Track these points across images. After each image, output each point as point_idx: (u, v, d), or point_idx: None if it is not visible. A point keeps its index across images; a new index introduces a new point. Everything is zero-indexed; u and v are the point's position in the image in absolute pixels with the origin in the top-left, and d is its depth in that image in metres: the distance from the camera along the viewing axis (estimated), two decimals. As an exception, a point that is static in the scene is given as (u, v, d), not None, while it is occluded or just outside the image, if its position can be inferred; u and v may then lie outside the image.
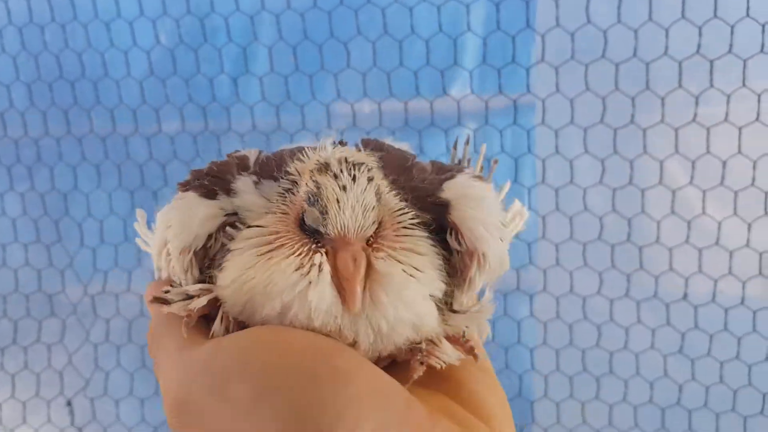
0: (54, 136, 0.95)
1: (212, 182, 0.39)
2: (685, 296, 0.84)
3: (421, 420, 0.31)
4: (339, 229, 0.33)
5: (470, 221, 0.36)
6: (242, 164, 0.40)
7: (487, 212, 0.37)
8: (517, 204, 0.45)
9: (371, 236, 0.34)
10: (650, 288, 0.86)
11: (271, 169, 0.39)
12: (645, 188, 0.84)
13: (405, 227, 0.36)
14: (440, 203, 0.37)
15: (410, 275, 0.34)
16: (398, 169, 0.39)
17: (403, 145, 0.47)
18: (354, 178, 0.34)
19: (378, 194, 0.34)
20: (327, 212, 0.33)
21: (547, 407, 0.91)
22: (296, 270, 0.34)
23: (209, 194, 0.38)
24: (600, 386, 0.89)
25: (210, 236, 0.38)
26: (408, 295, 0.34)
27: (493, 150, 0.88)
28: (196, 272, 0.38)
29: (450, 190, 0.38)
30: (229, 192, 0.38)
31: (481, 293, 0.39)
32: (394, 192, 0.37)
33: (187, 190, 0.39)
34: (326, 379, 0.31)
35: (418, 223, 0.36)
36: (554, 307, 0.89)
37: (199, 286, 0.37)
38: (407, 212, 0.36)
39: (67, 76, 0.93)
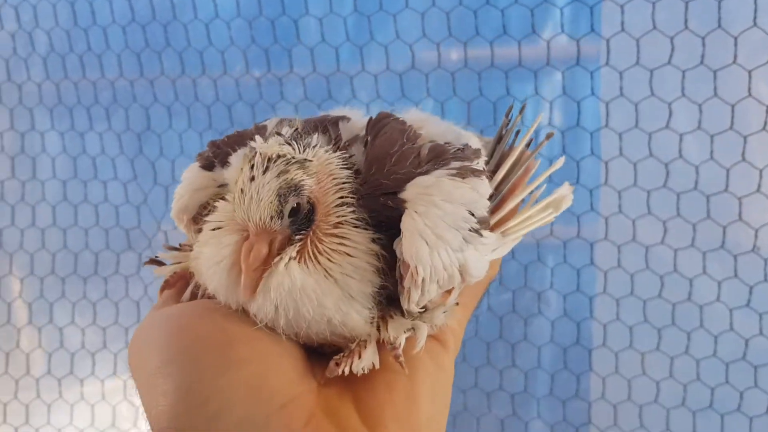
0: (128, 79, 1.04)
1: (214, 153, 0.42)
2: (754, 248, 0.83)
3: (290, 422, 0.33)
4: (242, 217, 0.36)
5: (409, 230, 0.36)
6: (259, 133, 0.41)
7: (435, 221, 0.36)
8: (561, 191, 0.46)
9: (289, 228, 0.36)
10: (717, 239, 0.85)
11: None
12: (714, 134, 0.82)
13: (339, 224, 0.37)
14: (393, 205, 0.37)
15: (319, 274, 0.36)
16: (376, 159, 0.38)
17: (438, 122, 0.48)
18: (265, 171, 0.35)
19: (289, 189, 0.35)
20: (234, 199, 0.36)
21: (605, 356, 0.93)
22: (221, 250, 0.38)
23: (207, 165, 0.42)
24: (661, 338, 0.90)
25: (205, 206, 0.42)
26: (305, 292, 0.35)
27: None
28: (192, 238, 0.43)
29: (410, 190, 0.37)
30: (225, 164, 0.41)
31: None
32: (341, 186, 0.37)
33: (197, 160, 0.43)
34: (207, 364, 0.34)
35: (362, 220, 0.37)
36: (615, 256, 0.90)
37: (177, 254, 0.43)
38: (345, 210, 0.37)
39: (139, 20, 1.01)
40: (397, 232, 0.37)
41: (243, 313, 0.37)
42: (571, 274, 0.93)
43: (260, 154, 0.36)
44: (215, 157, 0.42)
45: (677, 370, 0.90)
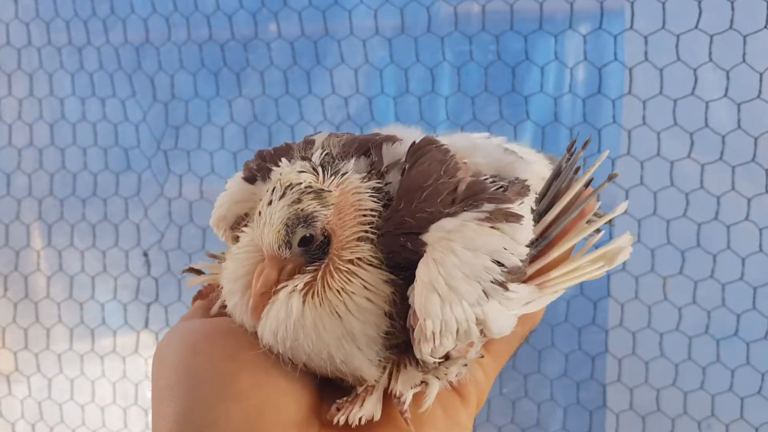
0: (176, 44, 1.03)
1: (258, 166, 0.42)
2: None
3: None
4: (255, 238, 0.36)
5: (421, 280, 0.34)
6: (306, 147, 0.41)
7: (451, 271, 0.34)
8: (618, 242, 0.41)
9: (302, 257, 0.36)
10: (742, 212, 0.86)
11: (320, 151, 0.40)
12: (741, 102, 0.82)
13: (353, 261, 0.36)
14: (412, 247, 0.35)
15: (324, 309, 0.35)
16: (406, 193, 0.36)
17: (490, 149, 0.44)
18: (282, 196, 0.35)
19: (298, 219, 0.35)
20: (254, 221, 0.37)
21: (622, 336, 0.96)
22: (240, 269, 0.38)
23: (250, 178, 0.42)
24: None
25: (244, 217, 0.42)
26: (303, 325, 0.35)
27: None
28: (229, 247, 0.42)
29: (432, 233, 0.35)
30: (266, 178, 0.40)
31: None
32: (362, 220, 0.36)
33: (243, 170, 0.43)
34: (207, 392, 0.34)
35: (378, 259, 0.36)
36: (636, 231, 0.91)
37: (211, 265, 0.43)
38: (362, 246, 0.36)
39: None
40: (414, 276, 0.35)
41: (255, 337, 0.37)
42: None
43: (279, 180, 0.36)
44: (258, 171, 0.42)
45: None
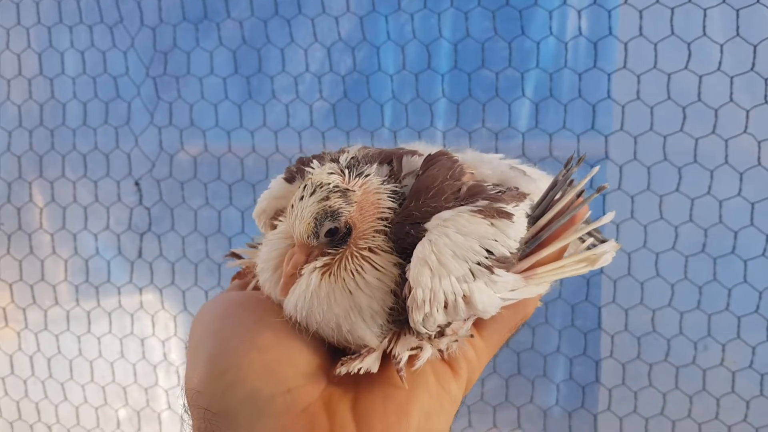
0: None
1: (297, 169, 0.48)
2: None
3: (291, 404, 0.39)
4: (289, 227, 0.43)
5: (416, 254, 0.40)
6: (340, 154, 0.46)
7: (441, 249, 0.40)
8: (605, 246, 0.46)
9: (327, 245, 0.42)
10: (734, 187, 0.88)
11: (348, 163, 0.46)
12: (734, 75, 0.83)
13: (368, 248, 0.42)
14: (415, 234, 0.41)
15: (337, 285, 0.41)
16: (416, 192, 0.43)
17: (496, 164, 0.50)
18: (312, 193, 0.41)
19: (326, 214, 0.41)
20: (287, 213, 0.43)
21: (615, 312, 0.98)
22: (272, 252, 0.45)
23: (289, 179, 0.48)
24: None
25: (281, 212, 0.48)
26: (317, 297, 0.41)
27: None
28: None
29: (432, 222, 0.41)
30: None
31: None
32: (379, 216, 0.42)
33: (285, 173, 0.50)
34: (235, 343, 0.41)
35: (390, 246, 0.42)
36: (629, 207, 0.93)
37: (251, 250, 0.51)
38: (377, 237, 0.42)
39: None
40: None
41: (280, 308, 0.43)
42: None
43: (311, 178, 0.42)
44: (297, 173, 0.48)
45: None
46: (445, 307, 0.40)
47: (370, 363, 0.41)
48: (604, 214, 0.47)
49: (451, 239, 0.40)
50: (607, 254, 0.46)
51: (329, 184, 0.42)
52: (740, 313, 0.92)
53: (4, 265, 1.14)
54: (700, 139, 0.88)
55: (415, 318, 0.40)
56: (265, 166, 1.04)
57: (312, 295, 0.41)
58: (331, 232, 0.42)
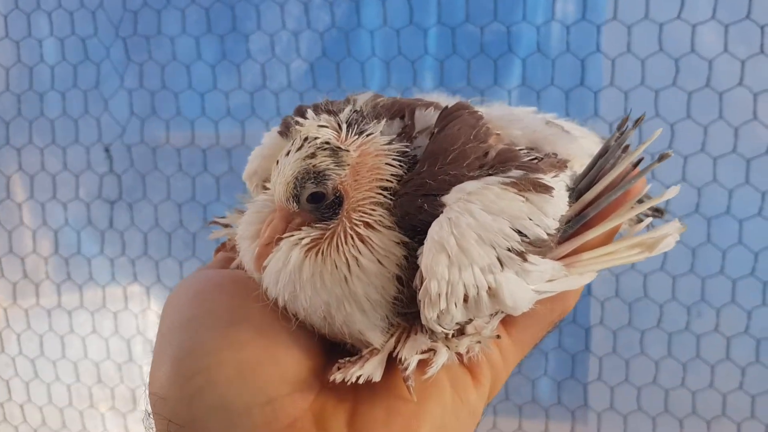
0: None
1: (295, 121, 0.40)
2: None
3: (271, 420, 0.32)
4: (272, 187, 0.37)
5: (432, 237, 0.33)
6: (345, 105, 0.40)
7: (464, 231, 0.33)
8: (659, 232, 0.39)
9: (311, 213, 0.36)
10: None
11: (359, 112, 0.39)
12: (729, 23, 0.81)
13: (364, 224, 0.35)
14: (429, 209, 0.34)
15: (325, 267, 0.34)
16: (431, 155, 0.36)
17: (529, 121, 0.43)
18: (298, 149, 0.35)
19: (308, 174, 0.35)
20: (273, 169, 0.37)
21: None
22: (252, 221, 0.39)
23: (284, 132, 0.41)
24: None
25: None
26: (300, 278, 0.35)
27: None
28: None
29: (452, 194, 0.34)
30: None
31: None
32: (379, 183, 0.36)
33: (280, 125, 0.43)
34: (205, 338, 0.34)
35: (392, 222, 0.35)
36: None
37: (232, 217, 0.43)
38: (376, 209, 0.35)
39: None
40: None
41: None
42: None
43: (299, 131, 0.36)
44: (296, 124, 0.40)
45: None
46: (465, 302, 0.33)
47: (371, 370, 0.34)
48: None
49: (477, 219, 0.33)
50: (669, 237, 0.38)
51: (317, 139, 0.35)
52: (735, 276, 0.89)
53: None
54: (694, 92, 0.85)
55: (428, 315, 0.33)
56: (241, 131, 1.00)
57: (292, 274, 0.35)
58: (315, 198, 0.35)
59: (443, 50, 0.95)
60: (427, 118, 0.39)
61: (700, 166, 0.87)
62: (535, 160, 0.37)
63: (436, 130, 0.37)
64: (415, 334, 0.35)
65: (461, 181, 0.35)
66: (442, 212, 0.34)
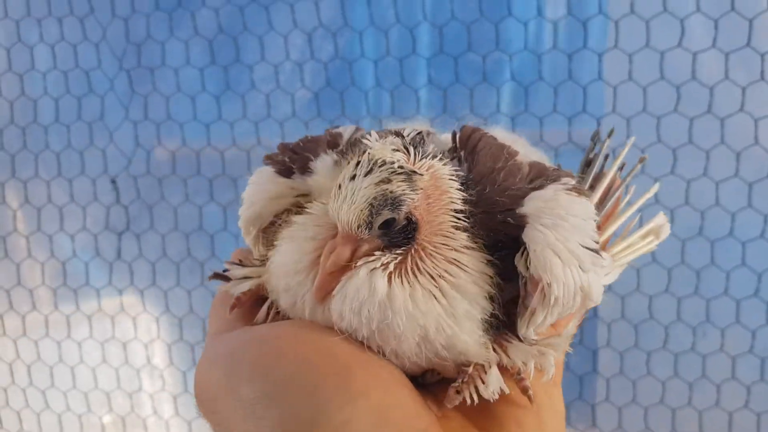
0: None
1: (291, 159, 0.40)
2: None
3: None
4: (332, 213, 0.35)
5: (539, 245, 0.34)
6: (333, 142, 0.40)
7: (565, 236, 0.34)
8: (659, 219, 0.44)
9: (380, 239, 0.35)
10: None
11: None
12: (729, 52, 0.82)
13: (449, 247, 0.35)
14: (511, 221, 0.35)
15: (416, 291, 0.34)
16: (483, 176, 0.37)
17: (509, 136, 0.45)
18: (368, 173, 0.34)
19: (385, 201, 0.33)
20: (332, 193, 0.35)
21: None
22: (301, 252, 0.36)
23: (284, 171, 0.40)
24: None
25: (280, 215, 0.40)
26: (392, 303, 0.33)
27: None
28: (263, 250, 0.40)
29: (530, 205, 0.35)
30: (305, 171, 0.39)
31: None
32: (453, 206, 0.36)
33: (267, 164, 0.41)
34: (325, 395, 0.31)
35: (476, 243, 0.35)
36: None
37: (249, 269, 0.39)
38: (458, 233, 0.35)
39: None
40: (509, 254, 0.35)
41: (332, 332, 0.35)
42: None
43: (368, 154, 0.34)
44: (293, 163, 0.40)
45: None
46: (572, 300, 0.35)
47: (496, 382, 0.35)
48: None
49: (569, 222, 0.35)
50: (665, 225, 0.44)
51: (393, 163, 0.34)
52: (739, 297, 0.91)
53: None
54: (695, 118, 0.87)
55: (536, 320, 0.35)
56: (246, 159, 1.01)
57: (382, 302, 0.33)
58: (387, 224, 0.34)
59: (446, 78, 0.96)
60: (439, 143, 0.40)
61: (703, 190, 0.89)
62: (557, 170, 0.39)
63: (465, 153, 0.38)
64: (509, 343, 0.36)
65: (528, 193, 0.36)
66: (526, 222, 0.35)
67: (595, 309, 0.97)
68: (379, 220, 0.34)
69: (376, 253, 0.35)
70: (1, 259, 1.10)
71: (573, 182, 0.37)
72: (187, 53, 1.00)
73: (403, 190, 0.34)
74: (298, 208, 0.39)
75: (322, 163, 0.39)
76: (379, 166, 0.34)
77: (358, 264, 0.34)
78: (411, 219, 0.35)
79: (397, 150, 0.35)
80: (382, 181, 0.34)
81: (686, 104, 0.86)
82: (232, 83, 1.01)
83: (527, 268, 0.35)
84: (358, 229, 0.34)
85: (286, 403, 0.31)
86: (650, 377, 0.96)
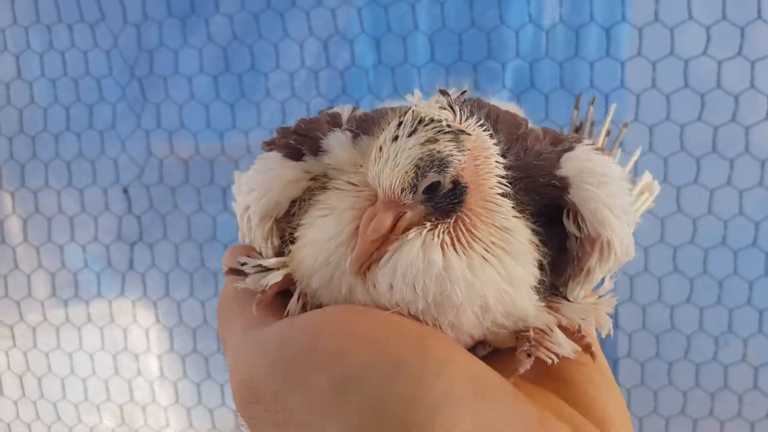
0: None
1: (298, 141, 0.37)
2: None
3: (529, 419, 0.30)
4: (371, 178, 0.32)
5: (593, 203, 0.34)
6: (334, 121, 0.39)
7: (613, 192, 0.35)
8: (647, 177, 0.44)
9: (423, 205, 0.33)
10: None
11: (370, 124, 0.37)
12: (755, 60, 0.82)
13: (499, 213, 0.34)
14: (557, 183, 0.35)
15: (472, 259, 0.32)
16: (510, 139, 0.36)
17: (509, 106, 0.45)
18: (412, 132, 0.31)
19: (432, 162, 0.31)
20: (371, 158, 0.33)
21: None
22: (336, 226, 0.34)
23: (294, 154, 0.37)
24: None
25: (294, 202, 0.37)
26: (450, 274, 0.32)
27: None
28: (276, 242, 0.38)
29: (568, 166, 0.35)
30: (317, 151, 0.37)
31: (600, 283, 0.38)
32: (499, 170, 0.34)
33: (271, 149, 0.38)
34: (416, 368, 0.29)
35: (518, 209, 0.34)
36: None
37: (276, 259, 0.36)
38: (505, 199, 0.34)
39: None
40: (548, 220, 0.35)
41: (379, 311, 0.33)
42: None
43: (413, 112, 0.32)
44: (302, 144, 0.37)
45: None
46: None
47: (566, 342, 0.34)
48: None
49: (612, 180, 0.35)
50: (653, 182, 0.44)
51: (440, 121, 0.32)
52: (762, 307, 0.90)
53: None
54: (720, 127, 0.86)
55: (593, 277, 0.35)
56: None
57: (439, 274, 0.31)
58: (432, 188, 0.32)
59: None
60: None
61: (727, 199, 0.88)
62: (571, 135, 0.41)
63: (485, 120, 0.35)
64: (560, 304, 0.36)
65: (560, 156, 0.36)
66: (568, 183, 0.35)
67: (616, 319, 0.96)
68: (425, 183, 0.32)
69: (425, 221, 0.33)
70: (11, 270, 1.08)
71: (593, 143, 0.38)
72: (200, 60, 0.99)
73: (450, 150, 0.32)
74: (311, 191, 0.36)
75: (336, 140, 0.37)
76: (425, 125, 0.32)
77: (409, 234, 0.32)
78: (458, 182, 0.33)
79: (444, 108, 0.33)
80: (428, 141, 0.31)
81: (710, 112, 0.85)
82: (247, 91, 0.99)
83: (579, 229, 0.35)
84: (402, 193, 0.32)
85: (374, 384, 0.29)
86: (671, 387, 0.95)
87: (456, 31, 0.93)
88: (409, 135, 0.31)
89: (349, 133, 0.37)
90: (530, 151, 0.36)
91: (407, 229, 0.33)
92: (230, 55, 0.99)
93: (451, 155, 0.32)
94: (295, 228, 0.36)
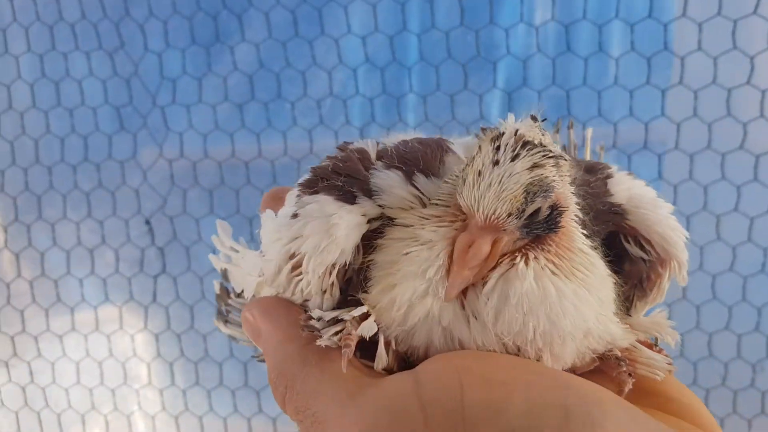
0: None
1: (347, 182, 0.35)
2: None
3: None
4: (469, 202, 0.31)
5: (659, 227, 0.37)
6: (364, 158, 0.37)
7: (668, 215, 0.37)
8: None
9: (518, 231, 0.32)
10: None
11: (417, 160, 0.36)
12: None
13: (581, 237, 0.34)
14: (618, 210, 0.37)
15: (574, 284, 0.32)
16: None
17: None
18: (514, 158, 0.31)
19: (540, 188, 0.31)
20: (465, 180, 0.31)
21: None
22: (423, 258, 0.32)
23: (347, 197, 0.35)
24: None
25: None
26: (563, 302, 0.32)
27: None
28: (336, 293, 0.35)
29: (619, 193, 0.37)
30: (369, 192, 0.35)
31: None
32: (577, 197, 0.35)
33: (315, 192, 0.35)
34: (583, 413, 0.28)
35: (595, 239, 0.36)
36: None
37: (361, 308, 0.34)
38: (578, 224, 0.34)
39: None
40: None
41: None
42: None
43: (515, 135, 0.31)
44: (352, 187, 0.35)
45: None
46: None
47: (660, 359, 0.35)
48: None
49: (659, 203, 0.38)
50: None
51: (544, 147, 0.31)
52: (759, 304, 0.90)
53: (3, 318, 1.05)
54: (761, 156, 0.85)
55: (659, 298, 0.38)
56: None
57: (556, 300, 0.31)
58: (534, 213, 0.31)
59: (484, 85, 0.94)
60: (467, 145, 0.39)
61: (765, 227, 0.87)
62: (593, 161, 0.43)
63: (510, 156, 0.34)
64: (628, 323, 0.37)
65: (605, 183, 0.37)
66: (628, 209, 0.37)
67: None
68: (532, 208, 0.31)
69: (528, 249, 0.32)
70: (28, 305, 1.05)
71: (618, 168, 0.40)
72: (225, 88, 0.97)
73: (554, 176, 0.31)
74: (383, 229, 0.35)
75: (387, 180, 0.35)
76: (529, 150, 0.31)
77: (514, 261, 0.32)
78: (555, 207, 0.32)
79: (543, 133, 0.32)
80: (535, 166, 0.31)
81: (752, 141, 0.84)
82: (273, 119, 0.97)
83: (647, 252, 0.37)
84: (508, 218, 0.31)
85: (497, 424, 0.28)
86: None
87: (473, 27, 0.91)
88: (512, 159, 0.31)
89: (399, 171, 0.36)
90: (578, 179, 0.36)
91: (503, 254, 0.32)
92: (256, 81, 0.96)
93: (555, 181, 0.32)
94: (360, 274, 0.35)
